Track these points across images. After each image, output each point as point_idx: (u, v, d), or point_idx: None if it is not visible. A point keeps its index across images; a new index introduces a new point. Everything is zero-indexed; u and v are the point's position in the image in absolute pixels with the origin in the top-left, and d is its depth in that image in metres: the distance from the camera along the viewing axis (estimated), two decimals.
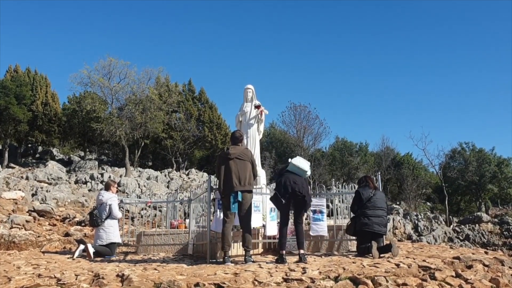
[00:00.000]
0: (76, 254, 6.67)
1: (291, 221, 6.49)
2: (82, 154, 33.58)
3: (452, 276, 4.31)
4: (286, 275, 4.18)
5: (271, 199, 5.81)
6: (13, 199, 13.71)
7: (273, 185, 6.96)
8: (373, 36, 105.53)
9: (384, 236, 6.13)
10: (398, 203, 30.64)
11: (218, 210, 6.05)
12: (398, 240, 16.61)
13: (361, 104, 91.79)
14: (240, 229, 5.78)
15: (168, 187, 23.50)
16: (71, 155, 32.70)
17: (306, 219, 7.13)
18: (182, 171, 30.30)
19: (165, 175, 26.82)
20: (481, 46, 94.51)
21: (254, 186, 6.08)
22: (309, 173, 5.72)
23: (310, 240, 6.86)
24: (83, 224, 11.90)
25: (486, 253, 5.87)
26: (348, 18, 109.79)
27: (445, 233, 20.27)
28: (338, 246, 6.90)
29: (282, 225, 5.56)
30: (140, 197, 18.69)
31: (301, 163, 5.66)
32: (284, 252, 5.35)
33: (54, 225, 11.84)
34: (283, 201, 5.48)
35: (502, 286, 4.24)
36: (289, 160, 5.86)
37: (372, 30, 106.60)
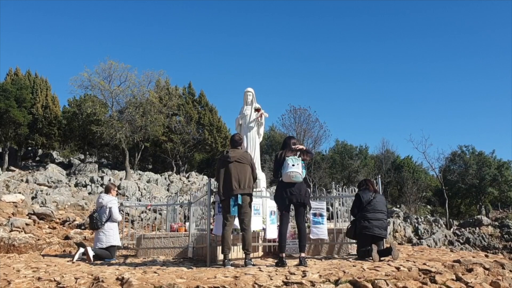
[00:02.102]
0: (76, 257, 6.66)
1: (291, 224, 6.49)
2: (82, 157, 33.58)
3: (453, 279, 4.30)
4: (286, 278, 4.17)
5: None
6: (13, 202, 13.72)
7: (273, 188, 6.92)
8: (373, 40, 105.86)
9: (384, 239, 6.13)
10: (398, 206, 30.63)
11: (218, 213, 6.05)
12: (399, 243, 16.61)
13: (361, 107, 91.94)
14: (240, 232, 5.78)
15: (168, 190, 23.51)
16: (71, 158, 32.70)
17: (306, 222, 7.12)
18: (182, 174, 30.30)
19: (165, 178, 26.83)
20: (481, 49, 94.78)
21: (254, 189, 6.08)
22: (302, 176, 5.43)
23: (310, 243, 6.85)
24: (83, 227, 11.89)
25: (486, 256, 5.85)
26: (348, 21, 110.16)
27: (446, 236, 20.26)
28: (338, 249, 6.89)
29: (282, 228, 5.54)
30: (140, 200, 18.72)
31: (292, 176, 5.35)
32: (284, 255, 5.33)
33: (54, 228, 11.83)
34: (280, 212, 5.51)
35: None
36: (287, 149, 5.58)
37: (372, 33, 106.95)
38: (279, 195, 5.52)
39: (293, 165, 5.39)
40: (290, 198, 5.42)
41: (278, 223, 6.55)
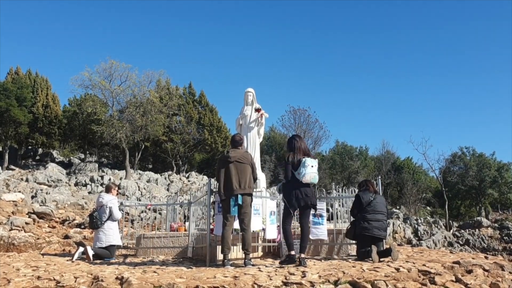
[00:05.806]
0: (76, 256, 6.66)
1: (292, 224, 6.49)
2: (82, 156, 33.60)
3: (452, 280, 4.30)
4: (285, 278, 4.17)
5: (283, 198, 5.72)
6: (13, 201, 13.72)
7: (275, 188, 6.89)
8: (373, 40, 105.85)
9: (384, 240, 6.13)
10: (398, 207, 30.61)
11: (218, 213, 6.05)
12: (398, 245, 16.58)
13: (361, 108, 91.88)
14: (239, 232, 5.78)
15: (168, 190, 23.50)
16: (71, 158, 32.70)
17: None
18: (182, 174, 30.30)
19: (165, 178, 26.82)
20: (482, 50, 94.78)
21: (254, 189, 6.08)
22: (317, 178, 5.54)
23: (310, 244, 6.84)
24: (82, 227, 11.89)
25: (486, 258, 5.86)
26: (348, 21, 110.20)
27: (445, 237, 20.25)
28: (338, 250, 6.89)
29: (286, 225, 5.51)
30: (140, 200, 18.74)
31: (312, 177, 5.41)
32: (293, 252, 5.31)
33: (54, 227, 11.84)
34: (292, 213, 5.50)
35: None
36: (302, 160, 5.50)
37: (373, 34, 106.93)
38: (294, 196, 5.44)
39: (312, 166, 5.43)
40: (305, 200, 5.42)
41: (278, 224, 6.56)
